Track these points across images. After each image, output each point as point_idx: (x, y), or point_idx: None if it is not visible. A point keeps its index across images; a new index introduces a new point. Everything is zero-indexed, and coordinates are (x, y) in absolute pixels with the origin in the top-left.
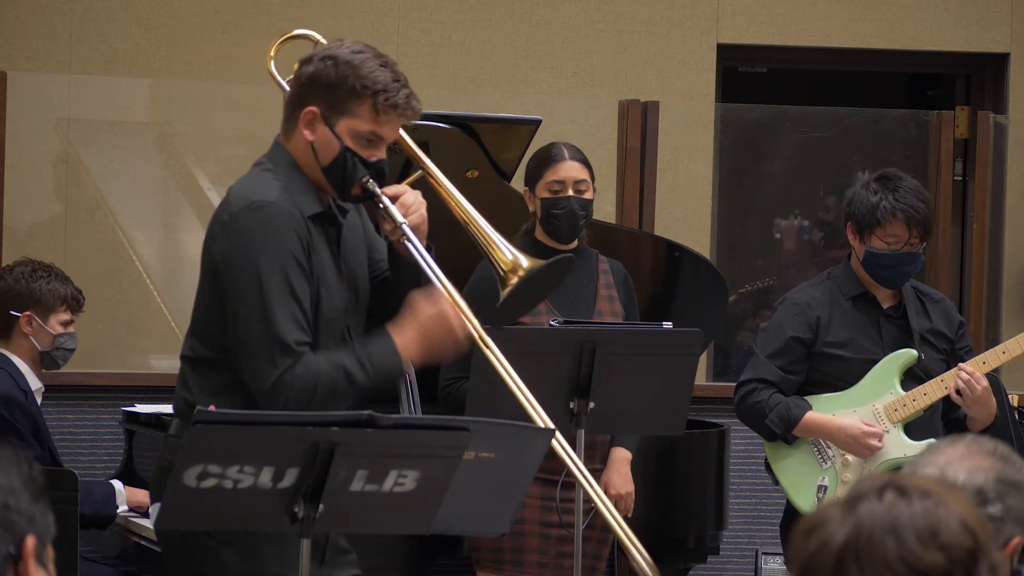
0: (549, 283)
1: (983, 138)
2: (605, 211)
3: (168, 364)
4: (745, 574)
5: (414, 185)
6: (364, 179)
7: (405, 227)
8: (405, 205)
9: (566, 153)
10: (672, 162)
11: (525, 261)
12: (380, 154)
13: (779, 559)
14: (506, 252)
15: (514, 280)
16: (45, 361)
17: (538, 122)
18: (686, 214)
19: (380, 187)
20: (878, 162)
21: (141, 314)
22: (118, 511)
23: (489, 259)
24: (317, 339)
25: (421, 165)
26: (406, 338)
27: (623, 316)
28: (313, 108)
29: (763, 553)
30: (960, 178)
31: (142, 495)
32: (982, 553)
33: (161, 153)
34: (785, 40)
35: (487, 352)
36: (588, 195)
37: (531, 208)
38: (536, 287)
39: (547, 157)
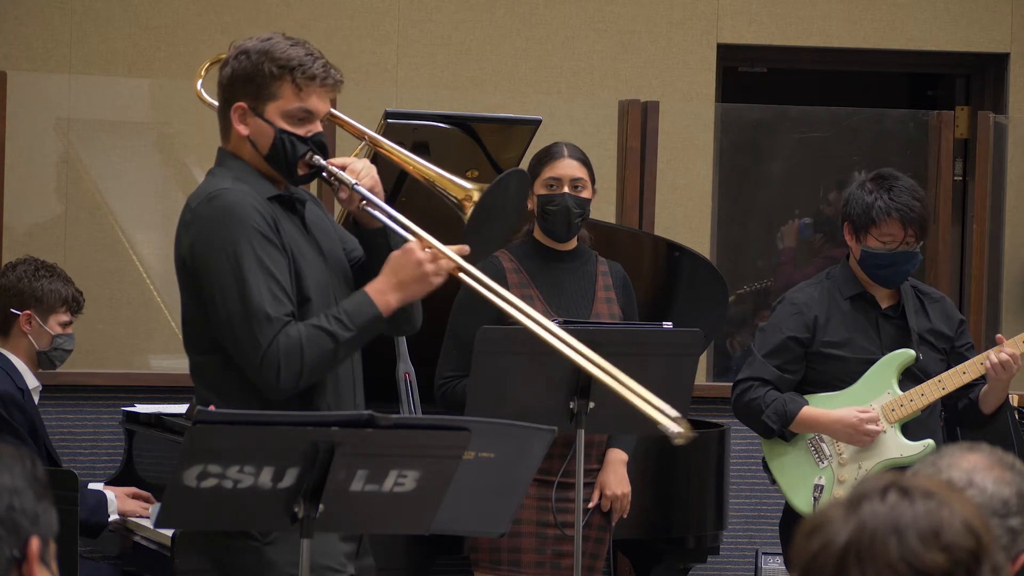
0: (510, 204)
1: (983, 138)
2: (605, 211)
3: (168, 364)
4: (745, 574)
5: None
6: (307, 155)
7: (358, 187)
8: (355, 171)
9: (565, 151)
10: (672, 162)
11: (476, 187)
12: (316, 128)
13: (779, 559)
14: (457, 184)
15: (469, 205)
16: (42, 361)
17: (538, 122)
18: (686, 214)
19: (324, 160)
20: (878, 162)
21: (141, 314)
22: (109, 519)
23: (445, 197)
24: (306, 314)
25: (363, 135)
26: (378, 284)
27: (621, 318)
28: (240, 104)
29: (763, 553)
30: (960, 178)
31: (132, 504)
32: (985, 554)
33: (161, 153)
34: (785, 40)
35: (466, 279)
36: (585, 194)
37: (530, 206)
38: (498, 211)
39: (546, 154)
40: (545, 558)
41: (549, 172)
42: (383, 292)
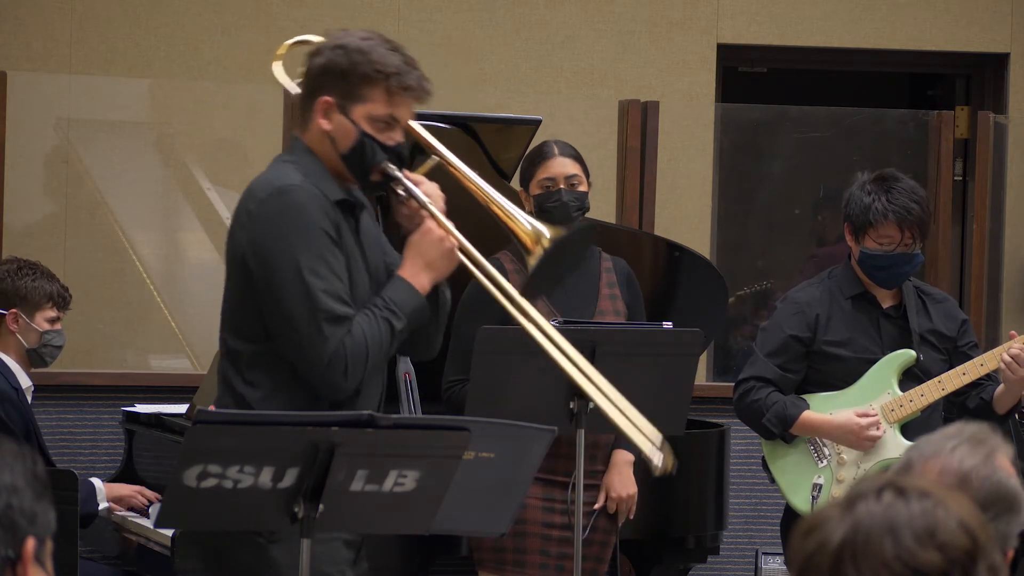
0: (575, 251)
1: (983, 138)
2: (605, 211)
3: (168, 364)
4: (745, 574)
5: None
6: (383, 163)
7: (429, 204)
8: (428, 192)
9: (556, 150)
10: (672, 162)
11: (548, 231)
12: (397, 137)
13: (779, 559)
14: (527, 225)
15: (538, 251)
16: (33, 359)
17: (538, 122)
18: (686, 214)
19: (399, 172)
20: (878, 162)
21: (141, 314)
22: (99, 508)
23: (512, 234)
24: None
25: (434, 152)
26: (410, 269)
27: (626, 315)
28: (328, 98)
29: (763, 553)
30: (960, 178)
31: (120, 488)
32: (981, 554)
33: (161, 153)
34: (785, 40)
35: (471, 267)
36: (582, 188)
37: (527, 208)
38: (564, 256)
39: (538, 155)
40: (550, 559)
41: (543, 173)
42: (416, 275)
